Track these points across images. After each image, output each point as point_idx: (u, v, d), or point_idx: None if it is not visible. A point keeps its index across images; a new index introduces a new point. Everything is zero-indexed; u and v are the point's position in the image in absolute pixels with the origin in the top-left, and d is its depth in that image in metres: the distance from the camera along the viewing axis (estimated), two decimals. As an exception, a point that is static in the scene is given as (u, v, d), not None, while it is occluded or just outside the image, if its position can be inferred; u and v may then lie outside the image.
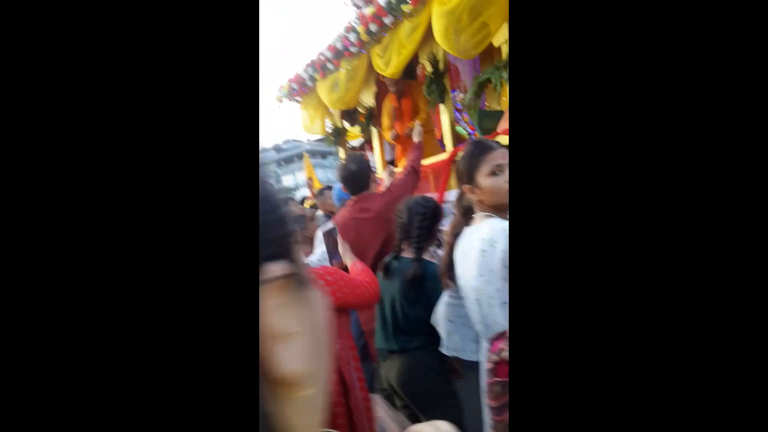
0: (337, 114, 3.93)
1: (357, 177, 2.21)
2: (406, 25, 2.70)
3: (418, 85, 3.38)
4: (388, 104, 3.35)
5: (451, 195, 2.74)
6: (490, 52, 3.62)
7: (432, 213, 1.71)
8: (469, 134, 3.90)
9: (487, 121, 2.85)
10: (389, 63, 2.85)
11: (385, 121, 3.41)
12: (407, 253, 1.69)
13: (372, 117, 3.51)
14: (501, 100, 3.50)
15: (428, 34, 2.69)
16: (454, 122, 2.90)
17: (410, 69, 3.45)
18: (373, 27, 2.88)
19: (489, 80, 2.52)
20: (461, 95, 3.66)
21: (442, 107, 2.89)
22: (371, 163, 2.28)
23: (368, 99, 3.51)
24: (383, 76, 3.11)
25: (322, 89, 3.58)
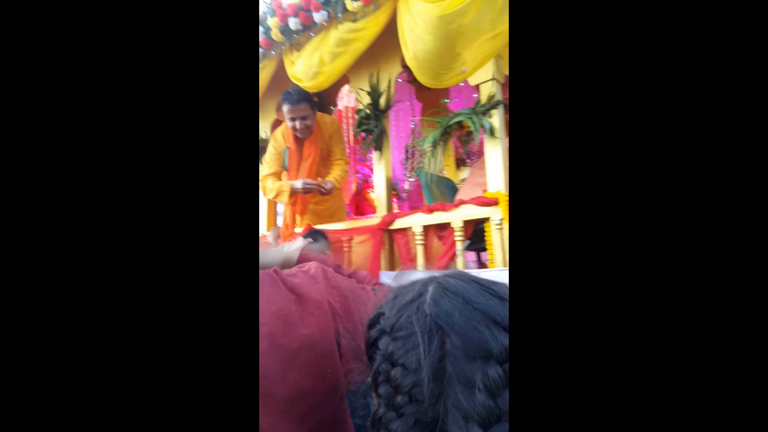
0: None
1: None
2: (344, 27, 1.83)
3: (333, 123, 2.48)
4: (279, 139, 2.24)
5: (387, 275, 1.81)
6: (436, 94, 2.96)
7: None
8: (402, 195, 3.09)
9: (442, 187, 2.05)
10: (309, 71, 1.91)
11: (271, 168, 2.24)
12: None
13: (264, 151, 2.46)
14: (445, 164, 2.78)
15: (367, 53, 1.87)
16: (390, 181, 2.03)
17: (322, 100, 2.57)
18: (293, 23, 1.96)
19: (459, 124, 1.74)
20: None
21: (376, 156, 2.01)
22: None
23: (262, 126, 2.48)
24: (291, 95, 2.12)
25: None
